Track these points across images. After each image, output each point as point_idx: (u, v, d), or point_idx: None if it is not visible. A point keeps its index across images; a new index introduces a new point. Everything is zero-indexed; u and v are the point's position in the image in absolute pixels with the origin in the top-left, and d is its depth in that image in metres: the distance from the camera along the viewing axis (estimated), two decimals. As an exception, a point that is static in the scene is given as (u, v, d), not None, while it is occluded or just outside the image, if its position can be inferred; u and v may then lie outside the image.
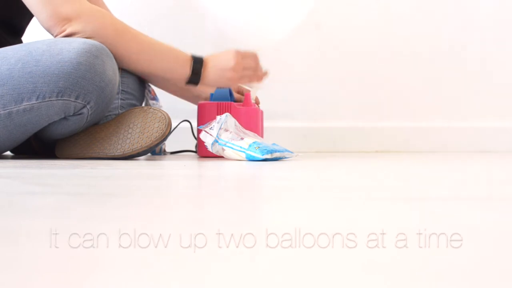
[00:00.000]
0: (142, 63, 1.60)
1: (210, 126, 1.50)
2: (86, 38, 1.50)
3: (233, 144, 1.45)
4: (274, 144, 1.49)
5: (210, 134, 1.49)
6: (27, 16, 1.67)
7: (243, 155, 1.43)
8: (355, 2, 2.23)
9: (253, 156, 1.41)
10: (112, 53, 1.52)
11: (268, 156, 1.41)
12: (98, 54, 1.45)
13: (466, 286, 0.35)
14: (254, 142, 1.44)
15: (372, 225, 0.55)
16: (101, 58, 1.46)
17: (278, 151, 1.44)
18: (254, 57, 1.70)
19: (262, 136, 1.73)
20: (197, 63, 1.63)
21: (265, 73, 1.72)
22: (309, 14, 2.21)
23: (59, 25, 1.50)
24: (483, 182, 1.00)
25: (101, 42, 1.50)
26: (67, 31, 1.50)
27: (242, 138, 1.46)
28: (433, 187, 0.91)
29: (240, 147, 1.44)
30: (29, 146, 1.67)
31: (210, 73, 1.65)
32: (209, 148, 1.50)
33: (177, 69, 1.62)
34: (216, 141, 1.48)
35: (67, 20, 1.49)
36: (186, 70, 1.63)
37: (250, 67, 1.69)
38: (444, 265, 0.40)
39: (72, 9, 1.49)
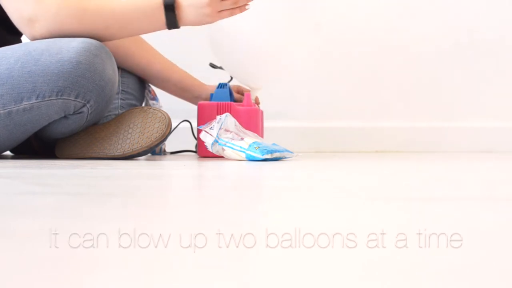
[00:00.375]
0: (115, 35, 1.55)
1: (210, 126, 1.50)
2: (52, 36, 1.48)
3: (233, 144, 1.45)
4: (274, 144, 1.49)
5: (210, 134, 1.49)
6: None
7: (243, 155, 1.43)
8: (355, 2, 2.23)
9: (253, 156, 1.41)
10: (83, 37, 1.49)
11: (268, 156, 1.41)
12: (98, 53, 1.45)
13: (466, 286, 0.35)
14: (254, 142, 1.44)
15: (372, 225, 0.55)
16: (101, 57, 1.46)
17: (278, 151, 1.44)
18: None
19: (262, 136, 1.73)
20: (169, 9, 1.53)
21: None
22: (310, 14, 2.21)
23: (26, 30, 1.48)
24: (483, 182, 1.00)
25: (67, 36, 1.49)
26: (36, 36, 1.48)
27: (242, 138, 1.46)
28: (433, 187, 0.90)
29: (240, 147, 1.44)
30: (29, 146, 1.67)
31: (186, 13, 1.54)
32: (209, 148, 1.50)
33: (151, 23, 1.54)
34: (216, 141, 1.48)
35: (31, 22, 1.48)
36: (161, 19, 1.53)
37: None
38: (444, 265, 0.40)
39: (31, 11, 1.47)
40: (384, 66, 2.23)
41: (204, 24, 1.57)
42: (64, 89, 1.43)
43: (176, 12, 1.53)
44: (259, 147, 1.42)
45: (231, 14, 1.56)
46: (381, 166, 1.40)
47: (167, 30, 1.55)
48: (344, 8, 2.22)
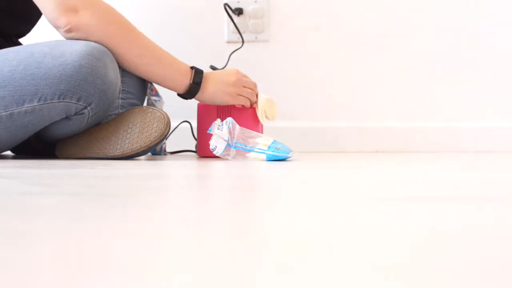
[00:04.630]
0: (142, 67, 1.56)
1: (217, 127, 1.49)
2: (89, 32, 1.48)
3: (256, 148, 1.49)
4: (274, 141, 1.50)
5: (223, 139, 1.48)
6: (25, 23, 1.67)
7: (264, 156, 1.46)
8: (355, 2, 2.23)
9: (277, 156, 1.46)
10: (112, 51, 1.51)
11: (290, 155, 1.47)
12: (100, 56, 1.45)
13: (467, 286, 0.35)
14: (273, 143, 1.47)
15: (373, 225, 0.55)
16: (103, 61, 1.46)
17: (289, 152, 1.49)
18: (253, 83, 1.68)
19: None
20: (198, 74, 1.60)
21: (256, 102, 1.69)
22: (308, 15, 2.21)
23: (64, 15, 1.46)
24: (483, 182, 1.00)
25: (102, 38, 1.48)
26: (73, 23, 1.46)
27: (256, 141, 1.49)
28: (433, 187, 0.90)
29: (260, 149, 1.48)
30: (29, 146, 1.67)
31: (209, 85, 1.61)
32: (218, 153, 1.49)
33: (177, 78, 1.59)
34: (229, 145, 1.48)
35: (74, 11, 1.47)
36: (186, 80, 1.59)
37: (250, 86, 1.67)
38: (444, 264, 0.40)
39: (80, 0, 1.48)
40: (384, 66, 2.23)
41: (218, 103, 1.64)
42: (66, 93, 1.43)
43: (202, 84, 1.61)
44: (279, 147, 1.47)
45: (245, 102, 1.66)
46: (381, 166, 1.40)
47: (177, 91, 1.60)
48: (345, 8, 2.22)
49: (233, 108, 1.66)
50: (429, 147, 2.22)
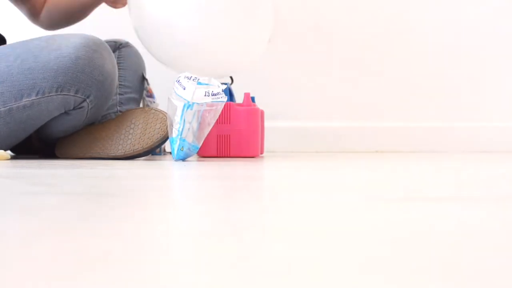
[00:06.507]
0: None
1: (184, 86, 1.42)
2: None
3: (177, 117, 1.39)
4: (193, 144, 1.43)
5: (182, 99, 1.41)
6: None
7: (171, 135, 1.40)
8: (355, 2, 2.23)
9: (172, 148, 1.39)
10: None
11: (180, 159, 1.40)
12: (97, 48, 1.46)
13: (467, 286, 0.35)
14: (183, 141, 1.39)
15: (373, 225, 0.55)
16: (100, 52, 1.46)
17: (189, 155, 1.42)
18: None
19: (262, 136, 1.72)
20: None
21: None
22: (308, 15, 2.21)
23: None
24: (483, 182, 1.00)
25: None
26: None
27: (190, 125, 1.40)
28: (433, 187, 0.90)
29: (179, 131, 1.39)
30: (29, 146, 1.67)
31: None
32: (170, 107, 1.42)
33: None
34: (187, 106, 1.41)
35: None
36: None
37: None
38: (444, 265, 0.40)
39: None
40: (384, 66, 2.23)
41: None
42: (64, 85, 1.43)
43: None
44: (183, 148, 1.40)
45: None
46: (381, 166, 1.40)
47: None
48: (344, 8, 2.22)
49: (233, 108, 1.66)
50: (429, 147, 2.22)
